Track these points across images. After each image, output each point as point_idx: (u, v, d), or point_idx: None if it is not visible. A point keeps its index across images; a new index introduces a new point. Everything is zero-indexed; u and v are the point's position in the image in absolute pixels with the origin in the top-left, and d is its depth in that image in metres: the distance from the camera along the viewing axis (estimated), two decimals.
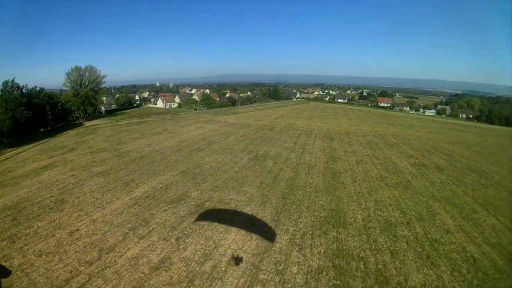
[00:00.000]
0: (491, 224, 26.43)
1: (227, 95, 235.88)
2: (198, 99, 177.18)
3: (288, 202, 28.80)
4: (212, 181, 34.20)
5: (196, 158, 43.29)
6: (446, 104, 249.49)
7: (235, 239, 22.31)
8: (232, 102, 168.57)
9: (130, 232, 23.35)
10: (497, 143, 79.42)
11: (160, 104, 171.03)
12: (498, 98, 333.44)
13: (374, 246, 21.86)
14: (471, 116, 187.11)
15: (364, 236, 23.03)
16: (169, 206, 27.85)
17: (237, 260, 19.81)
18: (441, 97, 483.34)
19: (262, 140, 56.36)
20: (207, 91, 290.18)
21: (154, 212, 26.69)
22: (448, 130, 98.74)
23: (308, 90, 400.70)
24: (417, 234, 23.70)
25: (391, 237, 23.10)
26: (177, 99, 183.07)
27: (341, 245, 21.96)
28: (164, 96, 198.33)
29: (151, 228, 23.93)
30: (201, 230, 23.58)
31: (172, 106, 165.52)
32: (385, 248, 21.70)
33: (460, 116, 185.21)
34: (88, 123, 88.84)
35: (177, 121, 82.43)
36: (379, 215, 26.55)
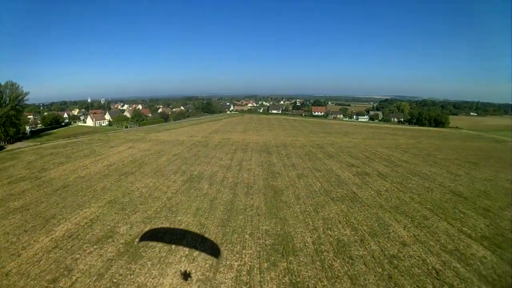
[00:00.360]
0: (444, 230, 27.01)
1: (160, 110, 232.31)
2: (130, 115, 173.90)
3: (228, 230, 26.36)
4: (143, 211, 30.42)
5: (125, 184, 38.93)
6: (377, 109, 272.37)
7: (172, 284, 19.25)
8: (165, 118, 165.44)
9: (49, 286, 18.95)
10: (430, 144, 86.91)
11: (89, 122, 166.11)
12: (424, 101, 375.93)
13: (330, 274, 20.40)
14: (402, 119, 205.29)
15: (318, 263, 21.53)
16: (95, 246, 23.57)
17: None
18: (371, 103, 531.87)
19: (197, 159, 53.71)
20: (139, 106, 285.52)
21: (78, 256, 22.27)
22: (383, 134, 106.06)
23: (242, 102, 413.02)
24: (373, 252, 22.96)
25: (346, 259, 21.95)
26: (107, 117, 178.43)
27: (294, 277, 20.09)
28: (94, 113, 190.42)
29: (74, 278, 19.62)
30: (132, 276, 19.93)
31: (102, 124, 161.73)
32: (342, 274, 20.37)
33: (392, 120, 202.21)
34: (9, 147, 78.96)
35: (106, 141, 75.60)
36: (330, 235, 25.48)
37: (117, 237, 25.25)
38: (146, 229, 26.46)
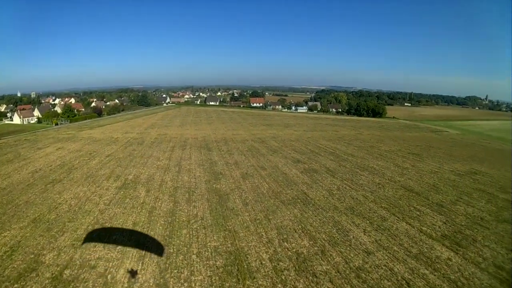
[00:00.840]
0: (404, 231, 26.11)
1: (93, 104, 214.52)
2: (61, 111, 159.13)
3: (172, 250, 22.48)
4: (72, 231, 25.02)
5: (52, 196, 32.47)
6: (315, 100, 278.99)
7: None
8: (98, 113, 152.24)
9: None
10: (372, 135, 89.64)
11: (16, 119, 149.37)
12: (360, 92, 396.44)
13: None
14: (340, 110, 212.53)
15: (280, 286, 18.87)
16: (15, 286, 18.38)
17: None
18: (308, 93, 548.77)
19: (132, 159, 48.11)
20: (72, 100, 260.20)
21: None
22: (324, 126, 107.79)
23: (178, 94, 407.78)
24: (337, 265, 20.87)
25: (310, 278, 19.51)
26: (36, 113, 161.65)
27: None
28: (22, 109, 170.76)
29: None
30: None
31: (31, 122, 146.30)
32: None
33: (331, 110, 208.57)
34: None
35: (33, 142, 65.11)
36: (287, 248, 22.95)
37: (42, 269, 20.04)
38: (77, 256, 21.68)
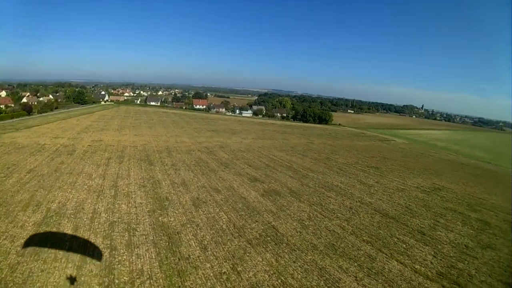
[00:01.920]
0: (398, 273, 23.29)
1: (24, 99, 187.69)
2: None
3: None
4: None
5: None
6: (259, 104, 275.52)
7: None
8: (28, 110, 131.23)
9: None
10: (324, 144, 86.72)
11: None
12: (303, 97, 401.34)
13: None
14: (285, 115, 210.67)
15: None
16: None
17: None
18: (249, 95, 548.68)
19: (58, 177, 37.87)
20: (3, 93, 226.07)
21: None
22: (272, 133, 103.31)
23: (118, 91, 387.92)
24: None
25: None
26: None
27: None
28: None
29: None
30: None
31: None
32: None
33: (276, 115, 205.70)
34: None
35: None
36: None
37: None
38: None
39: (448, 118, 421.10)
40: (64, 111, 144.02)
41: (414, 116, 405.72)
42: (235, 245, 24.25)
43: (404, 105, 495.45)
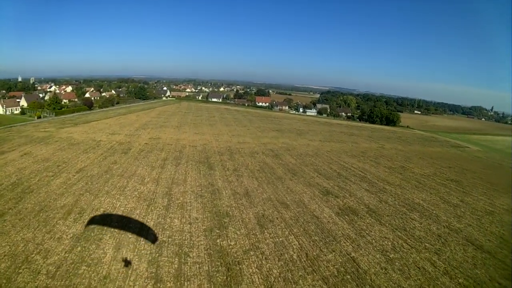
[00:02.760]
0: None
1: (87, 94, 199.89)
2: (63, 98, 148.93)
3: None
4: None
5: None
6: (321, 102, 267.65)
7: None
8: (89, 105, 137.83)
9: None
10: (395, 149, 79.34)
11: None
12: (366, 96, 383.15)
13: None
14: (349, 114, 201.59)
15: None
16: None
17: None
18: (311, 93, 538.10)
19: (107, 180, 36.84)
20: (69, 88, 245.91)
21: None
22: (339, 134, 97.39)
23: (180, 87, 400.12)
24: None
25: None
26: (23, 102, 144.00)
27: None
28: (12, 97, 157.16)
29: None
30: None
31: (15, 112, 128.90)
32: None
33: (341, 115, 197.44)
34: None
35: (0, 143, 53.92)
36: None
37: None
38: None
39: None
40: (125, 106, 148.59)
41: (483, 119, 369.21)
42: (308, 285, 19.99)
43: (472, 107, 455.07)
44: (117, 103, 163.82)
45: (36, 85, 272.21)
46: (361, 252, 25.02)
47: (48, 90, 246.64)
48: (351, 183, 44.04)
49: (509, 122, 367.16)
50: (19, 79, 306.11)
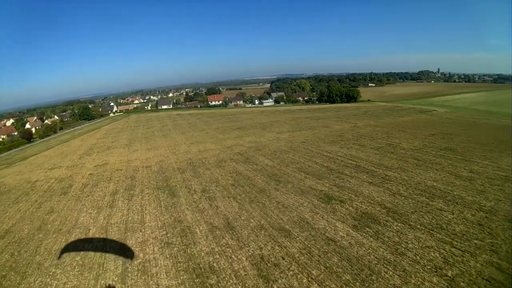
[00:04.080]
0: None
1: (27, 125, 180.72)
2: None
3: None
4: None
5: None
6: (273, 90, 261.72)
7: None
8: (27, 137, 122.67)
9: None
10: (370, 126, 73.50)
11: None
12: (316, 77, 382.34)
13: None
14: (306, 98, 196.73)
15: None
16: None
17: None
18: (261, 84, 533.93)
19: (39, 243, 26.40)
20: (10, 121, 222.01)
21: None
22: (306, 121, 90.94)
23: (128, 100, 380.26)
24: None
25: None
26: None
27: None
28: None
29: None
30: None
31: None
32: None
33: (299, 100, 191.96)
34: None
35: None
36: None
37: None
38: None
39: (467, 78, 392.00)
40: (69, 131, 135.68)
41: (432, 81, 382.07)
42: None
43: (419, 72, 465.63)
44: (61, 129, 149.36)
45: None
46: (412, 281, 17.50)
47: None
48: (347, 177, 36.56)
49: (457, 80, 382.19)
50: None
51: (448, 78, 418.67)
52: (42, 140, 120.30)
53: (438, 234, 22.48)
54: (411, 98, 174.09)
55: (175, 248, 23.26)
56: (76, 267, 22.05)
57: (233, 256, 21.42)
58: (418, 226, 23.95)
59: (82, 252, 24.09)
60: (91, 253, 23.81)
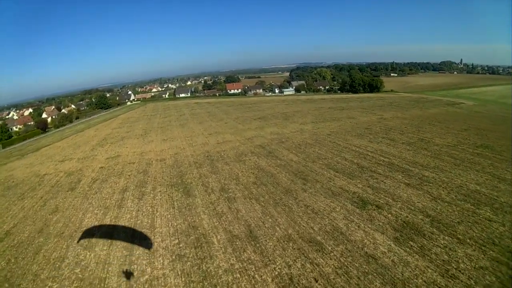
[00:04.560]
0: None
1: (44, 114, 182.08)
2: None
3: None
4: None
5: None
6: (293, 79, 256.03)
7: None
8: (42, 127, 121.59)
9: None
10: (397, 118, 68.85)
11: None
12: (337, 66, 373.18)
13: None
14: (327, 87, 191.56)
15: None
16: None
17: None
18: (280, 72, 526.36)
19: (39, 248, 24.21)
20: (29, 111, 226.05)
21: None
22: (329, 111, 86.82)
23: (146, 88, 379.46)
24: None
25: None
26: None
27: None
28: None
29: None
30: None
31: None
32: None
33: (320, 89, 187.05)
34: None
35: None
36: None
37: None
38: None
39: (491, 70, 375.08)
40: (85, 120, 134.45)
41: (455, 73, 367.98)
42: None
43: (441, 62, 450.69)
44: (77, 118, 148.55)
45: None
46: None
47: (6, 117, 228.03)
48: (381, 177, 32.92)
49: (480, 72, 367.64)
50: None
51: (471, 69, 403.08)
52: (57, 130, 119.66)
53: (491, 251, 19.08)
54: (436, 89, 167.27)
55: (188, 263, 20.31)
56: (75, 282, 19.47)
57: (256, 276, 18.34)
58: (468, 240, 20.52)
59: (83, 263, 21.47)
60: (92, 265, 21.18)
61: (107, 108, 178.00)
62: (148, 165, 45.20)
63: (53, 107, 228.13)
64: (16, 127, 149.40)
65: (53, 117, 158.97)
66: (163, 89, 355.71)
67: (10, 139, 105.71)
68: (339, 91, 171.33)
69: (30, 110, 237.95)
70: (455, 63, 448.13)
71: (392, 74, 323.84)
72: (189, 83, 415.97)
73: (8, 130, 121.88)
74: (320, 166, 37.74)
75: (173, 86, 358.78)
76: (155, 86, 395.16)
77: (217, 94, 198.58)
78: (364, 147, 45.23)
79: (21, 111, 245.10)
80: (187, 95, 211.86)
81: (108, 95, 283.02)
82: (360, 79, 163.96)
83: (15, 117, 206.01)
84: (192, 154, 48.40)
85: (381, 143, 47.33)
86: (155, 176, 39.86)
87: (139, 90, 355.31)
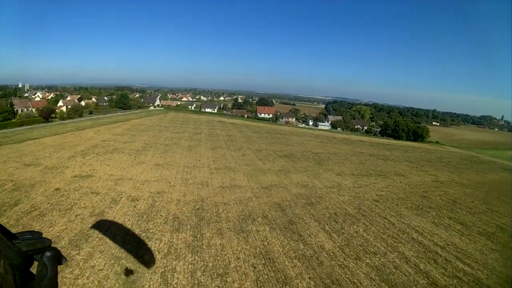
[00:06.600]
0: None
1: (60, 102, 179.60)
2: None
3: None
4: None
5: None
6: (329, 112, 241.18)
7: None
8: (44, 116, 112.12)
9: None
10: (456, 184, 52.84)
11: None
12: (376, 105, 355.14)
13: None
14: (366, 127, 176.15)
15: None
16: None
17: None
18: (315, 103, 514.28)
19: None
20: (51, 96, 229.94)
21: None
22: (370, 160, 71.21)
23: (177, 95, 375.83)
24: None
25: None
26: None
27: None
28: None
29: None
30: None
31: None
32: None
33: (358, 128, 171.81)
34: None
35: None
36: None
37: None
38: None
39: None
40: (95, 117, 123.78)
41: (496, 129, 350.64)
42: None
43: (481, 116, 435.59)
44: (90, 113, 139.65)
45: (17, 92, 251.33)
46: None
47: (32, 97, 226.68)
48: None
49: None
50: (20, 85, 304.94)
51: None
52: (60, 122, 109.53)
53: None
54: (484, 147, 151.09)
55: None
56: None
57: None
58: None
59: None
60: None
61: (126, 109, 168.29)
62: (111, 204, 30.55)
63: (78, 96, 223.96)
64: (27, 109, 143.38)
65: (68, 106, 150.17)
66: (194, 99, 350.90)
67: (5, 121, 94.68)
68: (379, 134, 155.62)
69: (52, 95, 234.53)
70: (496, 119, 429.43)
71: (434, 123, 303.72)
72: (221, 98, 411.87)
73: (14, 112, 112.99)
74: (368, 273, 21.96)
75: (204, 99, 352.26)
76: (187, 96, 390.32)
77: (246, 116, 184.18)
78: (430, 236, 29.62)
79: (48, 94, 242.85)
80: (213, 111, 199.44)
81: (137, 95, 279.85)
82: (404, 124, 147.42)
83: (38, 99, 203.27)
84: (179, 200, 33.53)
85: (450, 229, 31.81)
86: (105, 230, 25.93)
87: (170, 96, 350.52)
